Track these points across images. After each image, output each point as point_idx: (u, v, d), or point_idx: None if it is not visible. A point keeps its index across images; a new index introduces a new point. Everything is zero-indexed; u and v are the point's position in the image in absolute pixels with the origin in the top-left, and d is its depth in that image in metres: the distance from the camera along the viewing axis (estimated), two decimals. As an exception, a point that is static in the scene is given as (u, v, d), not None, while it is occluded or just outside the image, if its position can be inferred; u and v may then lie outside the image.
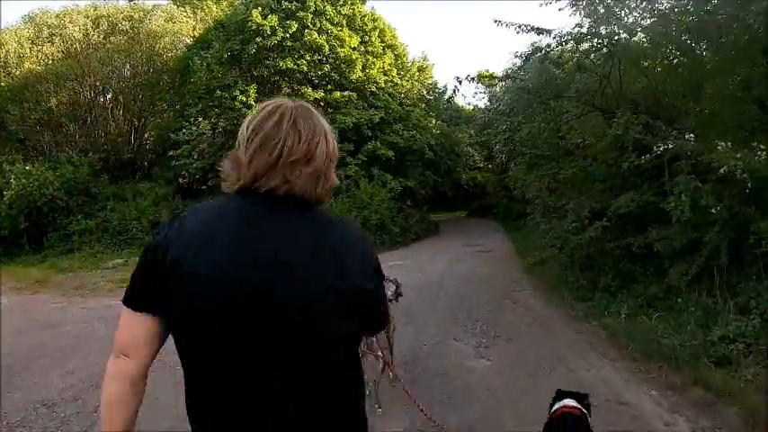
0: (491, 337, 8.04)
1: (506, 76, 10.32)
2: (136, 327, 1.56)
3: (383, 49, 26.07)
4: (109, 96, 26.96)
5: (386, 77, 25.38)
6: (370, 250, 1.72)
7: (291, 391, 1.51)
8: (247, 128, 1.59)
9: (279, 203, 1.54)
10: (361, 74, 23.96)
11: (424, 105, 29.23)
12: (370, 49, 25.25)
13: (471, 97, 52.68)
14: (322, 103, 23.70)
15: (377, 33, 26.07)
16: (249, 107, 21.52)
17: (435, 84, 31.62)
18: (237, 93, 22.19)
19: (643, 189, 9.42)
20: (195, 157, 22.89)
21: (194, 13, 29.64)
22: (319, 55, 23.51)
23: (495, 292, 11.35)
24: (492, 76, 35.35)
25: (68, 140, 25.32)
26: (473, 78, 9.75)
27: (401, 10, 79.29)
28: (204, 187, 22.86)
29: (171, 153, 23.35)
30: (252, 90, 22.33)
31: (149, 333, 1.56)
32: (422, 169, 27.14)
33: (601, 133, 10.69)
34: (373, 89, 24.53)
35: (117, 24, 26.12)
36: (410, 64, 29.36)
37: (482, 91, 36.98)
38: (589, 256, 10.29)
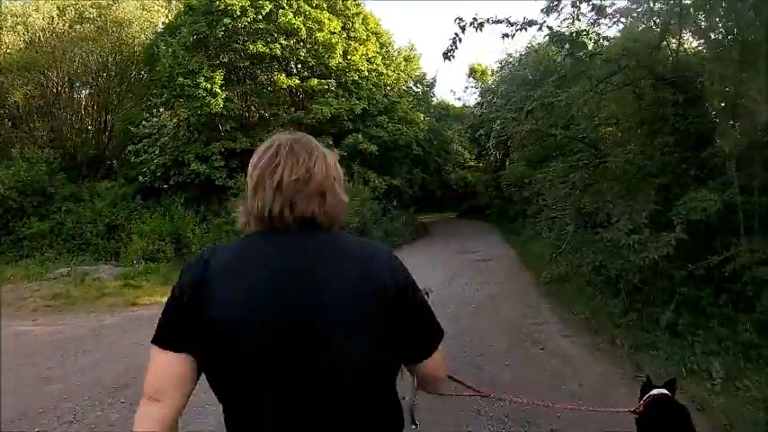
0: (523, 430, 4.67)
1: (528, 23, 6.78)
2: (165, 367, 1.45)
3: (367, 35, 22.80)
4: (76, 89, 24.56)
5: (369, 66, 22.19)
6: (389, 256, 1.59)
7: (327, 424, 1.45)
8: (250, 166, 1.57)
9: (296, 230, 1.50)
10: (341, 60, 20.73)
11: (411, 99, 26.06)
12: (352, 34, 22.02)
13: (462, 92, 49.28)
14: (297, 92, 20.53)
15: (360, 19, 22.88)
16: (214, 95, 18.68)
17: (423, 75, 28.23)
18: (202, 80, 18.87)
19: (712, 186, 6.50)
20: (156, 152, 19.88)
21: (168, 0, 26.69)
22: (295, 39, 20.23)
23: (511, 329, 7.99)
24: (484, 72, 33.53)
25: (31, 136, 23.03)
26: (480, 24, 6.43)
27: (383, 8, 75.74)
28: (166, 186, 19.85)
29: (130, 148, 20.47)
30: (218, 76, 19.07)
31: (180, 374, 1.45)
32: (409, 167, 24.02)
33: (649, 107, 7.56)
34: (355, 78, 21.33)
35: (84, 12, 23.30)
36: (396, 53, 26.08)
37: (473, 85, 34.99)
38: (641, 279, 7.04)
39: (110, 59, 23.67)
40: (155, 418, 1.42)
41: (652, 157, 7.37)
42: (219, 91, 18.82)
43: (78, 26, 23.12)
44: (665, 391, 3.06)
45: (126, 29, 23.51)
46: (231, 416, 1.51)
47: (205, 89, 18.65)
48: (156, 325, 1.46)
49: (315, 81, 19.88)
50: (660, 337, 6.45)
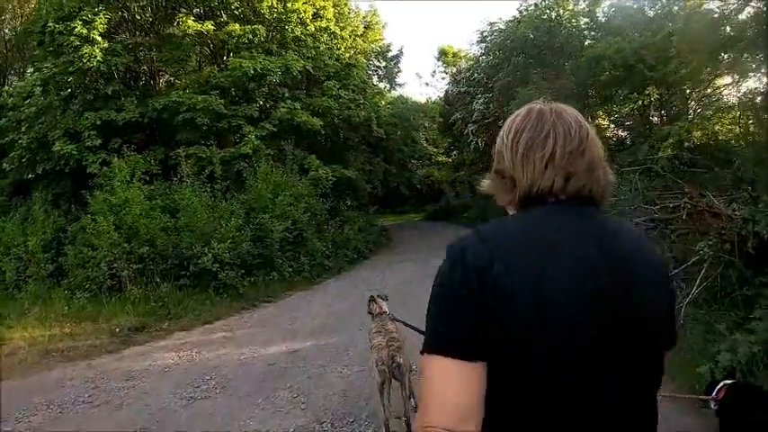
0: None
1: None
2: (468, 384, 1.06)
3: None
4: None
5: (318, 22, 15.31)
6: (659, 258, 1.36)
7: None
8: (507, 134, 1.25)
9: (577, 209, 1.18)
10: (275, 3, 13.92)
11: (374, 75, 19.82)
12: (294, -24, 15.10)
13: (431, 77, 42.84)
14: (210, 41, 13.79)
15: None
16: (93, 43, 12.18)
17: (387, 47, 21.53)
18: (78, 24, 12.14)
19: None
20: (23, 129, 13.30)
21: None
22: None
23: None
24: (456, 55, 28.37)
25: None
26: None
27: None
28: (33, 176, 13.26)
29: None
30: (100, 21, 12.32)
31: (482, 390, 1.07)
32: (368, 155, 17.33)
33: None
34: (297, 33, 14.49)
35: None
36: (353, 15, 19.39)
37: (443, 70, 29.34)
38: None
39: (5, 23, 19.27)
40: None
41: None
42: (100, 39, 12.32)
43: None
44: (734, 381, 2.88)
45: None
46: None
47: (81, 36, 12.08)
48: None
49: (236, 27, 13.09)
50: None
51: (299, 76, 13.45)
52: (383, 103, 19.75)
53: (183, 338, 7.17)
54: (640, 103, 13.24)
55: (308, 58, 14.21)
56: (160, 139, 13.14)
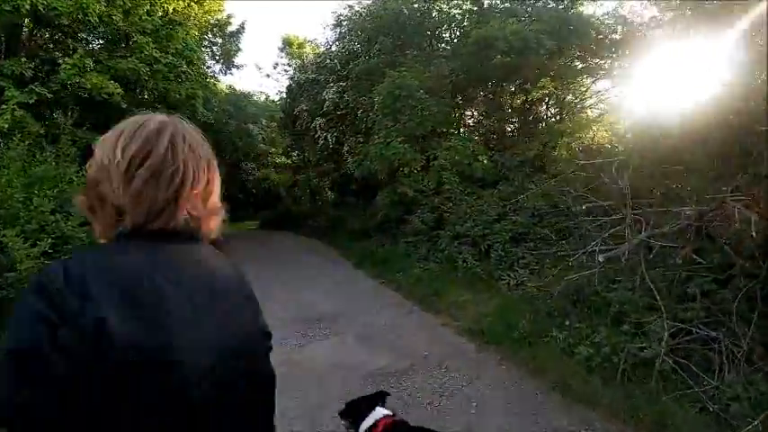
0: None
1: None
2: None
3: None
4: None
5: None
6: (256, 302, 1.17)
7: None
8: (121, 150, 1.00)
9: (181, 244, 1.03)
10: None
11: (207, 53, 16.11)
12: None
13: (272, 69, 39.26)
14: None
15: None
16: None
17: (227, 20, 17.67)
18: None
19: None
20: None
21: None
22: None
23: None
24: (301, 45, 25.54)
25: None
26: None
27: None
28: None
29: None
30: None
31: None
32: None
33: None
34: None
35: None
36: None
37: (286, 62, 25.98)
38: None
39: None
40: None
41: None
42: None
43: None
44: (387, 411, 2.39)
45: None
46: None
47: None
48: None
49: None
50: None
51: (101, 26, 9.35)
52: (216, 86, 16.25)
53: None
54: (535, 94, 11.63)
55: (119, 6, 9.94)
56: None
